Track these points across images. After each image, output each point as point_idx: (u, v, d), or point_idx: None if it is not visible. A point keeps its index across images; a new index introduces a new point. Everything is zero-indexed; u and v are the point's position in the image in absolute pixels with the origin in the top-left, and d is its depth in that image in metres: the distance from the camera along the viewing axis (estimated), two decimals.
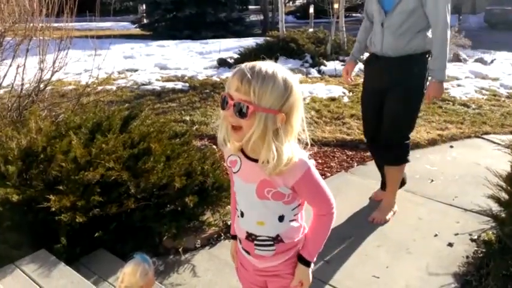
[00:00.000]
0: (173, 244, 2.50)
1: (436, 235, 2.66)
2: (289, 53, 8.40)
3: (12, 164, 2.30)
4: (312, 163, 1.27)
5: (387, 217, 2.81)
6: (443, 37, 2.46)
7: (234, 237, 1.49)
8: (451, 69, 7.75)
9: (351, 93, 6.08)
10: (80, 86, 4.90)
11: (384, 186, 2.99)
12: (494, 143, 4.18)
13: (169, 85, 6.85)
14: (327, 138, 4.30)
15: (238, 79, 1.17)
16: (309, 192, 1.29)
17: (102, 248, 2.34)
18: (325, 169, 3.68)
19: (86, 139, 2.53)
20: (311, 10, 10.75)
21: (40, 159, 2.38)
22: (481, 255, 2.40)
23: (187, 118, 4.94)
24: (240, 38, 13.52)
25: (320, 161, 3.84)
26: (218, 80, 7.29)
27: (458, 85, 6.63)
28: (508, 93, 6.20)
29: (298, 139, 1.26)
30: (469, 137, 4.40)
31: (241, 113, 1.16)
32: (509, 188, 2.28)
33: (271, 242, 1.32)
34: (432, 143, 4.19)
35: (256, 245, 1.33)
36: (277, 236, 1.31)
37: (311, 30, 9.65)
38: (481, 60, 8.77)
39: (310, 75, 7.57)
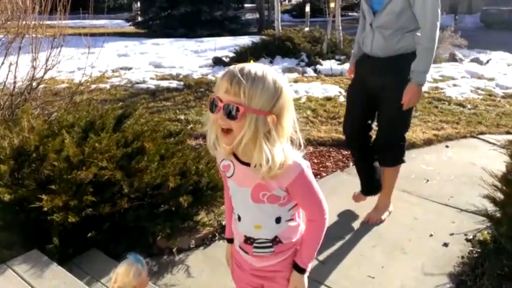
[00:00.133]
0: (167, 244, 2.48)
1: (431, 235, 2.66)
2: (285, 52, 8.39)
3: (4, 163, 2.28)
4: (306, 164, 1.25)
5: (382, 217, 2.80)
6: (429, 39, 2.40)
7: (229, 240, 1.49)
8: (448, 69, 7.77)
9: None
10: (73, 85, 4.87)
11: (363, 190, 2.95)
12: (490, 143, 4.19)
13: (164, 84, 6.81)
14: (323, 138, 4.29)
15: (227, 81, 1.15)
16: (302, 195, 1.28)
17: (95, 248, 2.32)
18: (321, 169, 3.67)
19: (79, 138, 2.50)
20: (307, 9, 10.72)
21: (32, 158, 2.36)
22: (476, 255, 2.40)
23: (182, 117, 4.91)
24: (236, 37, 13.49)
25: (316, 161, 3.83)
26: (213, 78, 7.26)
27: (454, 85, 6.64)
28: (503, 93, 6.21)
29: (291, 141, 1.24)
30: (464, 137, 4.40)
31: (231, 114, 1.14)
32: (504, 188, 2.28)
33: (270, 244, 1.32)
34: (428, 143, 4.19)
35: (255, 247, 1.34)
36: (275, 237, 1.32)
37: (307, 29, 9.65)
38: (477, 60, 8.79)
39: (306, 75, 7.56)
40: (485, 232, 2.48)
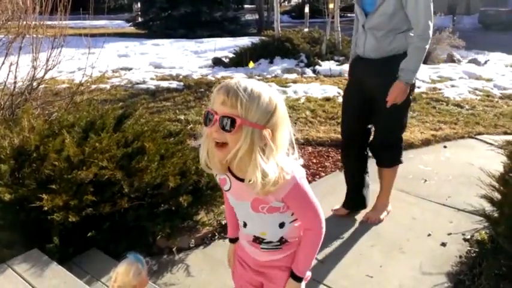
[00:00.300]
0: (167, 244, 2.49)
1: (429, 235, 2.67)
2: (284, 53, 8.41)
3: (4, 162, 2.29)
4: (301, 175, 1.26)
5: (381, 217, 2.82)
6: (421, 38, 2.40)
7: (232, 240, 1.52)
8: (446, 69, 7.80)
9: None
10: (74, 85, 4.88)
11: (347, 203, 2.89)
12: (488, 143, 4.21)
13: (164, 84, 6.83)
14: (322, 138, 4.30)
15: (224, 93, 1.15)
16: (297, 206, 1.29)
17: (95, 247, 2.33)
18: (320, 169, 3.69)
19: (79, 138, 2.51)
20: (306, 10, 10.73)
21: (33, 158, 2.36)
22: (474, 254, 2.42)
23: (182, 117, 4.92)
24: (235, 37, 13.50)
25: (314, 161, 3.84)
26: (213, 79, 7.28)
27: (452, 86, 6.66)
28: (501, 94, 6.23)
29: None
30: (462, 137, 4.42)
31: (227, 126, 1.13)
32: (502, 188, 2.29)
33: (278, 243, 1.36)
34: (426, 143, 4.20)
35: (263, 245, 1.37)
36: (282, 238, 1.35)
37: (306, 30, 9.66)
38: (474, 61, 8.81)
39: (305, 75, 7.58)
40: (483, 232, 2.49)
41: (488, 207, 2.38)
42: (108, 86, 6.45)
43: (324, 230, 1.34)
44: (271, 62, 8.29)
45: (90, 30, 4.10)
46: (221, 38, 13.16)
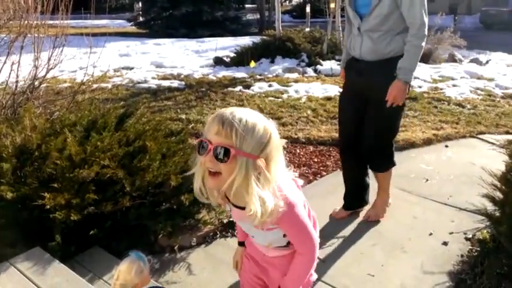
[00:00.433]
0: (168, 242, 2.49)
1: (431, 234, 2.67)
2: (285, 52, 8.42)
3: (6, 161, 2.29)
4: (296, 202, 1.26)
5: (382, 215, 2.81)
6: (417, 37, 2.38)
7: (240, 243, 1.56)
8: (447, 69, 7.79)
9: None
10: (75, 84, 4.88)
11: (347, 203, 2.88)
12: (489, 142, 4.20)
13: (165, 83, 6.84)
14: (323, 138, 4.30)
15: (218, 123, 1.14)
16: (290, 230, 1.30)
17: (97, 246, 2.33)
18: (321, 168, 3.69)
19: (81, 137, 2.52)
20: (307, 9, 10.74)
21: (35, 156, 2.37)
22: (476, 254, 2.41)
23: (183, 116, 4.93)
24: (237, 37, 13.52)
25: (316, 160, 3.85)
26: (214, 78, 7.28)
27: (454, 85, 6.66)
28: (502, 93, 6.23)
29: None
30: (464, 136, 4.41)
31: (221, 157, 1.13)
32: (503, 187, 2.29)
33: (286, 245, 1.39)
34: (427, 142, 4.20)
35: (272, 247, 1.41)
36: (289, 242, 1.38)
37: (307, 29, 9.66)
38: (476, 61, 8.81)
39: (306, 75, 7.58)
40: (485, 231, 2.49)
41: (489, 206, 2.37)
42: (109, 85, 6.46)
43: (317, 255, 1.36)
44: (272, 62, 8.29)
45: (91, 29, 4.11)
46: (222, 38, 13.17)
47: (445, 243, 2.56)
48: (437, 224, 2.78)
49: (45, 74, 3.52)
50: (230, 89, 6.41)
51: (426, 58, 8.23)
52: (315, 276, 1.48)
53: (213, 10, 15.36)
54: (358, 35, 2.54)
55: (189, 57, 10.02)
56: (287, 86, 6.56)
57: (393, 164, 2.74)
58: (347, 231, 2.71)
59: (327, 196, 3.08)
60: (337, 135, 4.25)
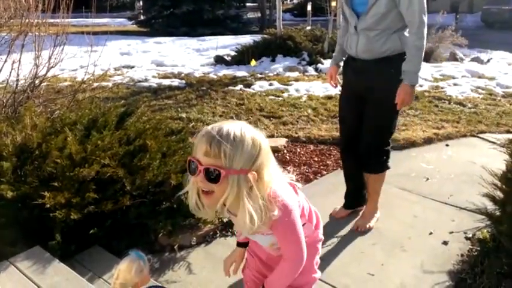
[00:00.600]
0: (169, 241, 2.49)
1: (431, 233, 2.67)
2: (286, 51, 8.41)
3: (6, 160, 2.29)
4: (291, 208, 1.26)
5: (371, 224, 2.73)
6: (418, 36, 2.36)
7: (239, 244, 1.58)
8: (448, 68, 7.78)
9: None
10: (76, 82, 4.89)
11: (348, 202, 2.87)
12: (490, 141, 4.20)
13: (166, 82, 6.84)
14: (324, 136, 4.30)
15: (206, 143, 1.13)
16: (281, 236, 1.30)
17: (97, 245, 2.33)
18: (321, 167, 3.68)
19: (82, 136, 2.52)
20: (309, 8, 10.72)
21: (35, 155, 2.37)
22: (476, 253, 2.41)
23: (184, 115, 4.93)
24: (237, 35, 13.50)
25: (316, 159, 3.84)
26: (215, 77, 7.28)
27: (455, 84, 6.65)
28: (503, 92, 6.22)
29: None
30: (464, 135, 4.41)
31: (212, 178, 1.13)
32: (504, 186, 2.29)
33: None
34: (428, 141, 4.19)
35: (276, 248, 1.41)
36: None
37: (308, 28, 9.65)
38: (477, 60, 8.79)
39: (307, 73, 7.58)
40: (485, 230, 2.49)
41: (490, 205, 2.37)
42: (110, 84, 6.46)
43: (300, 267, 1.34)
44: (273, 60, 8.29)
45: (92, 28, 4.10)
46: (223, 36, 13.16)
47: (445, 243, 2.56)
48: (438, 223, 2.77)
49: (46, 73, 3.52)
50: (231, 87, 6.41)
51: (427, 57, 8.21)
52: (318, 274, 1.48)
53: (213, 9, 15.35)
54: (355, 33, 2.52)
55: (189, 55, 10.02)
56: (288, 84, 6.56)
57: (388, 166, 2.70)
58: (347, 230, 2.71)
59: (327, 195, 3.08)
60: (337, 134, 4.25)
